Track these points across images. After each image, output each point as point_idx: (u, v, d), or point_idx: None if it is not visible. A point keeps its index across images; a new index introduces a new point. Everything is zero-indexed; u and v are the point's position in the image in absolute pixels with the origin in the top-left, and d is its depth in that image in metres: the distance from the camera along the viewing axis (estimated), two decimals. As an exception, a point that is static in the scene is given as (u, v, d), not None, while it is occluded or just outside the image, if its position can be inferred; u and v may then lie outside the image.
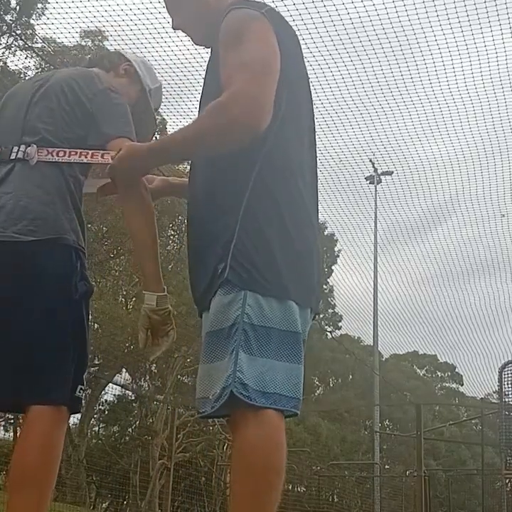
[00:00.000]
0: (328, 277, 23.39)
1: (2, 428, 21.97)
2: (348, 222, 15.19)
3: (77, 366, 1.99)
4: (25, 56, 13.79)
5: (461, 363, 27.77)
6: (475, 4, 7.83)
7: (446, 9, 7.96)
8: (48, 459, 1.90)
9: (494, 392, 21.84)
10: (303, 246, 1.80)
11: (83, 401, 2.07)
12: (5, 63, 13.86)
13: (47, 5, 12.49)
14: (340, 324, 26.52)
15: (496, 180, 12.02)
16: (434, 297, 19.13)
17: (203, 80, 2.02)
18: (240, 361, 1.64)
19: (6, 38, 14.02)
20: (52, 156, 2.03)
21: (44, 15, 12.81)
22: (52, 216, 1.99)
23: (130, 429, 23.48)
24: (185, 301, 15.10)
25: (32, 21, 13.79)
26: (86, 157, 2.04)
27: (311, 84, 2.02)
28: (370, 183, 16.06)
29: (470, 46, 8.63)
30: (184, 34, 2.12)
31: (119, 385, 21.52)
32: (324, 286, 24.42)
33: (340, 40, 8.65)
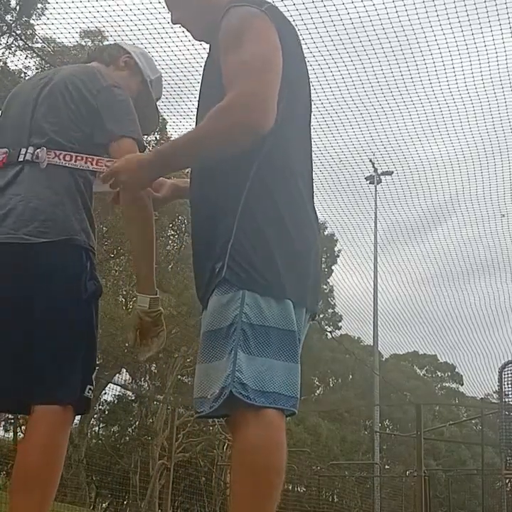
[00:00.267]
0: (328, 277, 23.39)
1: (2, 428, 21.96)
2: (348, 222, 15.18)
3: (86, 366, 2.00)
4: (25, 56, 13.80)
5: (461, 363, 27.77)
6: (475, 4, 7.83)
7: (446, 9, 7.96)
8: (52, 459, 1.90)
9: (494, 392, 21.85)
10: (302, 246, 1.80)
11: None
12: (5, 63, 13.86)
13: (47, 5, 12.50)
14: (340, 324, 26.54)
15: (496, 180, 12.02)
16: (434, 297, 19.14)
17: (201, 76, 2.01)
18: (239, 361, 1.64)
19: (6, 38, 14.02)
20: (59, 159, 2.04)
21: (44, 15, 12.82)
22: (63, 217, 1.99)
23: (130, 429, 23.49)
24: (185, 301, 15.11)
25: (32, 21, 13.80)
26: (91, 164, 2.05)
27: (311, 84, 2.02)
28: (370, 183, 16.06)
29: (470, 46, 8.63)
30: (183, 29, 2.09)
31: (119, 385, 21.54)
32: (324, 286, 24.41)
33: (341, 40, 8.65)
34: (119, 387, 22.67)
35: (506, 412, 6.92)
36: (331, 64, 9.10)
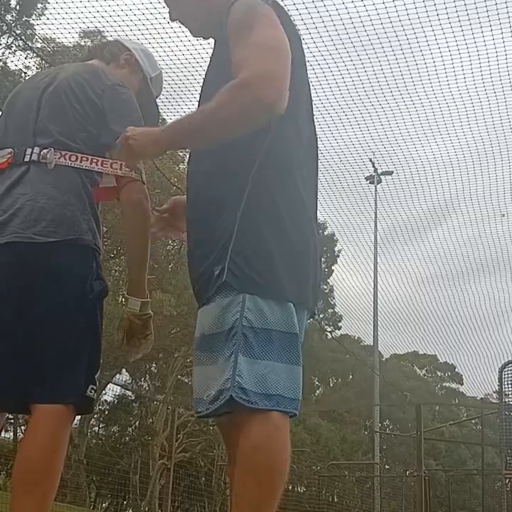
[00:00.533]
0: (328, 277, 23.38)
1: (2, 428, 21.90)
2: (348, 222, 15.18)
3: (89, 366, 2.00)
4: (25, 56, 13.80)
5: (461, 363, 27.79)
6: (475, 4, 7.83)
7: (446, 9, 7.96)
8: (53, 459, 1.90)
9: (494, 392, 21.85)
10: (302, 248, 1.79)
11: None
12: (5, 63, 13.86)
13: (47, 5, 12.51)
14: (340, 324, 26.54)
15: (496, 180, 12.02)
16: (434, 297, 19.11)
17: (205, 71, 2.00)
18: (240, 365, 1.64)
19: (6, 38, 14.02)
20: (65, 159, 2.04)
21: (44, 15, 12.82)
22: (70, 217, 2.00)
23: (130, 429, 23.49)
24: (185, 301, 15.10)
25: (32, 21, 13.81)
26: (96, 165, 2.06)
27: (310, 84, 2.01)
28: (370, 183, 16.06)
29: (470, 46, 8.63)
30: (180, 26, 2.10)
31: (119, 385, 21.58)
32: (324, 286, 24.40)
33: (341, 39, 8.65)
34: (119, 387, 22.71)
35: (506, 412, 6.91)
36: (331, 64, 9.11)
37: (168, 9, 2.06)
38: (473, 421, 25.70)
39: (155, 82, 2.45)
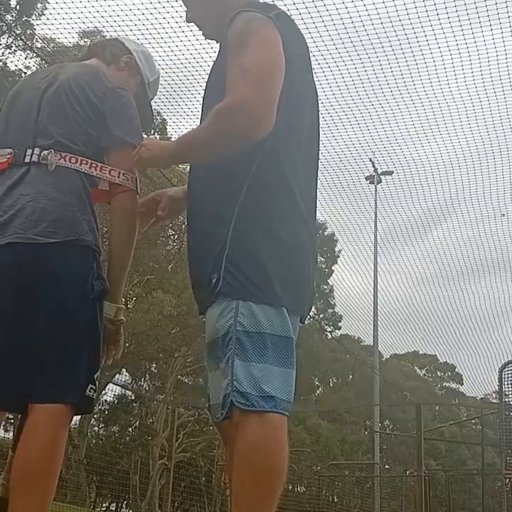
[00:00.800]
0: (329, 277, 23.38)
1: (2, 428, 21.94)
2: (348, 222, 15.18)
3: (89, 365, 2.00)
4: (25, 56, 13.80)
5: (461, 363, 27.77)
6: (475, 3, 7.83)
7: (446, 8, 7.96)
8: (52, 458, 1.90)
9: (494, 392, 21.86)
10: (295, 255, 1.83)
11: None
12: (5, 63, 13.86)
13: (47, 5, 12.51)
14: (340, 324, 26.55)
15: (496, 180, 12.02)
16: (434, 297, 19.10)
17: (207, 76, 2.06)
18: (236, 369, 1.69)
19: (5, 38, 14.02)
20: (65, 161, 2.05)
21: (44, 15, 12.82)
22: (71, 218, 2.00)
23: (130, 429, 23.49)
24: (185, 301, 15.10)
25: (32, 21, 13.81)
26: (95, 170, 2.08)
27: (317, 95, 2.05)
28: (370, 183, 16.07)
29: (470, 46, 8.62)
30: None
31: (119, 385, 21.56)
32: (324, 286, 24.41)
33: (340, 39, 8.65)
34: (119, 387, 22.69)
35: (506, 412, 6.91)
36: (331, 64, 9.11)
37: (185, 11, 2.14)
38: (473, 421, 25.71)
39: (152, 86, 2.47)
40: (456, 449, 29.20)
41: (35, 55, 12.95)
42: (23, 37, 13.47)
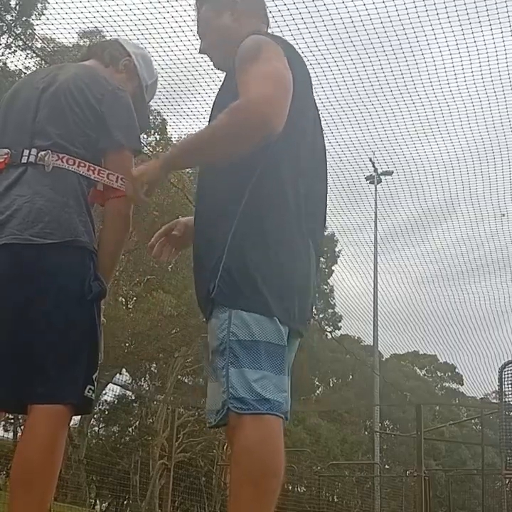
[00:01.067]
0: (329, 277, 23.38)
1: (2, 428, 21.98)
2: (348, 222, 15.17)
3: (87, 366, 2.01)
4: (25, 56, 13.79)
5: (461, 363, 27.73)
6: (475, 3, 7.83)
7: (446, 8, 7.95)
8: (52, 459, 1.90)
9: (494, 392, 21.86)
10: (288, 270, 1.87)
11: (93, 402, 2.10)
12: (5, 63, 13.86)
13: (46, 5, 12.51)
14: (340, 324, 26.55)
15: (496, 179, 12.01)
16: (434, 297, 19.09)
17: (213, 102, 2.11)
18: (231, 377, 1.75)
19: (5, 38, 14.02)
20: (63, 162, 2.05)
21: (43, 14, 12.83)
22: (68, 219, 2.01)
23: (130, 429, 23.50)
24: (185, 301, 15.11)
25: (32, 21, 13.81)
26: (93, 173, 2.08)
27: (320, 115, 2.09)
28: (370, 183, 16.07)
29: (470, 45, 8.61)
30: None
31: (119, 385, 21.57)
32: (324, 286, 24.41)
33: (340, 38, 8.63)
34: (119, 387, 22.68)
35: (506, 412, 6.91)
36: (331, 63, 9.10)
37: (200, 41, 2.24)
38: (473, 421, 25.72)
39: (150, 89, 2.48)
40: (456, 449, 29.21)
41: (35, 55, 12.95)
42: (23, 37, 13.47)
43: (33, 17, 13.78)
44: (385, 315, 19.23)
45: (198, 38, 2.28)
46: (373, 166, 14.93)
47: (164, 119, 15.23)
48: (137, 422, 22.82)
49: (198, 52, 2.27)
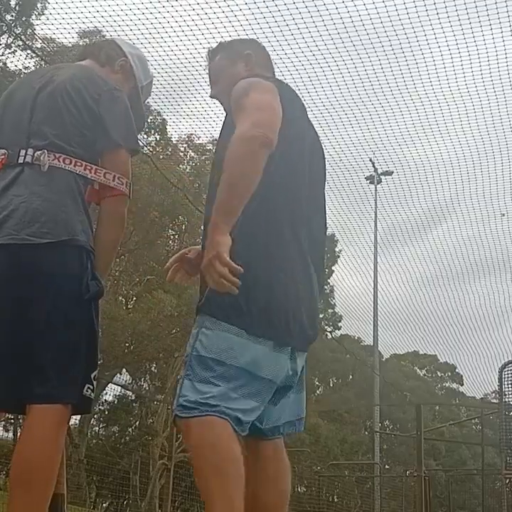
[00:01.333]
0: (329, 277, 23.36)
1: (2, 428, 21.95)
2: (348, 222, 15.19)
3: (86, 366, 2.01)
4: (24, 56, 13.78)
5: (461, 363, 27.77)
6: (475, 3, 7.83)
7: (446, 8, 7.96)
8: (51, 459, 1.90)
9: (494, 392, 21.86)
10: (270, 293, 1.93)
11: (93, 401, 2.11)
12: (5, 63, 13.86)
13: (46, 4, 12.51)
14: (340, 324, 26.52)
15: (496, 179, 12.02)
16: (434, 297, 19.11)
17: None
18: (183, 387, 1.87)
19: (5, 38, 14.02)
20: (59, 161, 2.05)
21: (43, 14, 12.83)
22: (65, 218, 2.01)
23: (130, 429, 23.48)
24: (186, 301, 15.10)
25: (32, 21, 13.80)
26: (90, 172, 2.09)
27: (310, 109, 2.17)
28: (370, 183, 16.07)
29: (470, 46, 8.63)
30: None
31: (119, 385, 21.54)
32: (324, 287, 24.38)
33: (340, 38, 8.64)
34: (119, 387, 22.67)
35: (506, 412, 6.91)
36: (331, 63, 9.10)
37: (210, 87, 2.37)
38: (473, 421, 25.71)
39: (145, 90, 2.49)
40: (456, 449, 29.19)
41: (35, 55, 12.95)
42: (22, 37, 13.46)
43: (33, 17, 13.78)
44: (385, 315, 19.25)
45: (208, 84, 2.40)
46: (373, 166, 14.94)
47: (164, 119, 15.25)
48: (137, 422, 22.81)
49: (209, 96, 2.39)
